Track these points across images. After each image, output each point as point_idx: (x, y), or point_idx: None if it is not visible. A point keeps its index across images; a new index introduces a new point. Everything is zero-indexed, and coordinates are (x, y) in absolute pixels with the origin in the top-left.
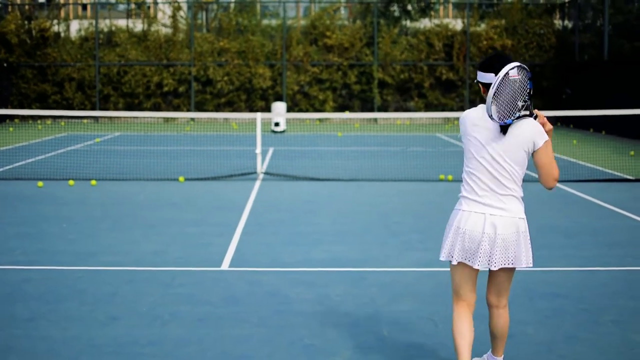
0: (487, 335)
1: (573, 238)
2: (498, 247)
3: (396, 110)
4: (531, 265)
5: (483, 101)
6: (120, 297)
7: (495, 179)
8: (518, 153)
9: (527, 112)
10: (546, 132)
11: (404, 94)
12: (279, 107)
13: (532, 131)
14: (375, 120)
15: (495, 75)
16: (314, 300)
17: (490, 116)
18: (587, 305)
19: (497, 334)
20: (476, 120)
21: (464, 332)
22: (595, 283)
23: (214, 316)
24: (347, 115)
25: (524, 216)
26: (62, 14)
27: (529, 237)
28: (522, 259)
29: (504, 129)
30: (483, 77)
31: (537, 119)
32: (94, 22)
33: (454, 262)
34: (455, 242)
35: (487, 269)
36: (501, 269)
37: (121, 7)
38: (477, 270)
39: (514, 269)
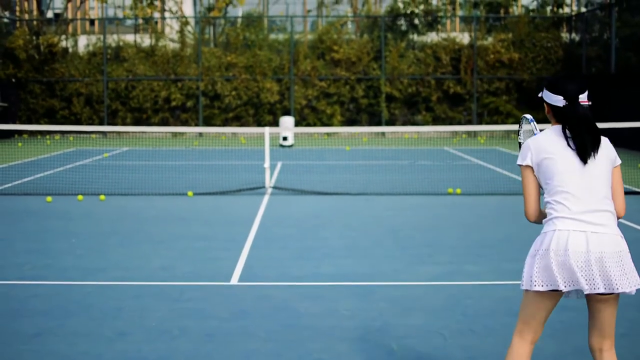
0: None
1: None
2: (605, 267)
3: (404, 124)
4: (639, 287)
5: (548, 121)
6: (129, 312)
7: (591, 194)
8: (607, 166)
9: None
10: None
11: (412, 107)
12: (287, 121)
13: (612, 146)
14: (383, 134)
15: (564, 98)
16: (323, 315)
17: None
18: None
19: None
20: (551, 146)
21: None
22: None
23: (223, 331)
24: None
25: (622, 234)
26: (70, 29)
27: (630, 257)
28: (632, 281)
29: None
30: (549, 97)
31: None
32: (101, 37)
33: (545, 289)
34: (551, 266)
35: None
36: (603, 299)
37: (129, 22)
38: (559, 300)
39: (617, 298)
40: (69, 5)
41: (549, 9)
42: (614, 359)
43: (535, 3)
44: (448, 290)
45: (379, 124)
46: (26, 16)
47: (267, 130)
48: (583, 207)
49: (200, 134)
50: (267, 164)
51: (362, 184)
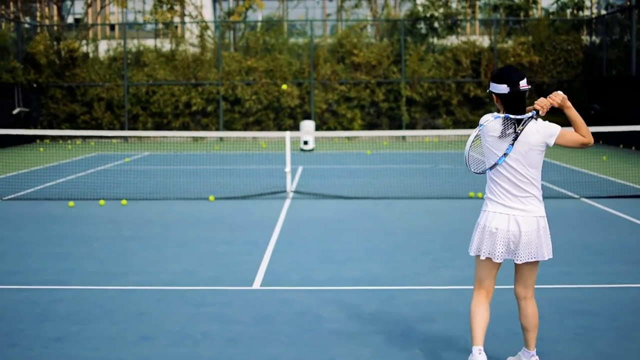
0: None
1: (603, 254)
2: (522, 243)
3: (424, 127)
4: (551, 256)
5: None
6: (151, 317)
7: (514, 183)
8: (532, 157)
9: (529, 115)
10: (562, 105)
11: (432, 111)
12: (308, 125)
13: (540, 134)
14: (404, 137)
15: (508, 85)
16: (345, 319)
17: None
18: (618, 323)
19: (528, 326)
20: (491, 131)
21: (481, 314)
22: (626, 300)
23: (245, 335)
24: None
25: (544, 214)
26: (91, 34)
27: (549, 232)
28: (544, 253)
29: (514, 138)
30: (496, 87)
31: (539, 113)
32: (122, 42)
33: (482, 257)
34: (482, 239)
35: (513, 263)
36: (525, 263)
37: (149, 27)
38: (500, 263)
39: (537, 262)
40: (90, 10)
41: (569, 11)
42: (534, 305)
43: (555, 6)
44: (470, 294)
45: (399, 127)
46: (47, 21)
47: (287, 135)
48: (508, 194)
49: (221, 139)
50: (288, 168)
51: (383, 188)
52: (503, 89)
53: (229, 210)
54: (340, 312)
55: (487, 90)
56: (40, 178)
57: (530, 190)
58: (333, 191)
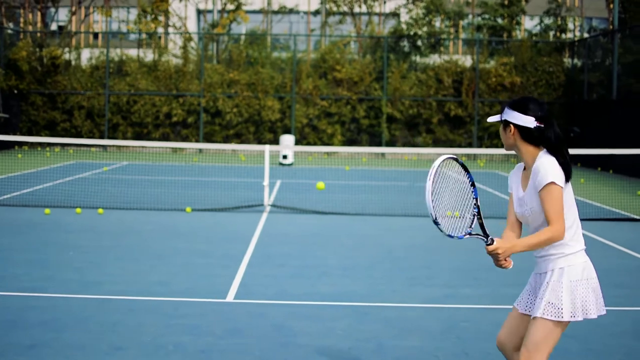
0: None
1: None
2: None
3: (404, 145)
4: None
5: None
6: (124, 327)
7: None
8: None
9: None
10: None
11: (412, 129)
12: (287, 139)
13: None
14: (383, 154)
15: (536, 119)
16: (318, 334)
17: (435, 221)
18: (593, 345)
19: None
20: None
21: None
22: (601, 323)
23: (217, 348)
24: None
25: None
26: (74, 42)
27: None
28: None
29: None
30: (518, 118)
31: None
32: (104, 51)
33: (579, 319)
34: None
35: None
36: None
37: (132, 36)
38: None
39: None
40: (73, 18)
41: (551, 33)
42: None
43: (538, 28)
44: (444, 312)
45: (379, 144)
46: (30, 28)
47: (267, 148)
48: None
49: (200, 150)
50: (266, 182)
51: (361, 204)
52: (528, 121)
53: (206, 222)
54: (313, 327)
55: (500, 119)
56: (17, 184)
57: None
58: (310, 206)
